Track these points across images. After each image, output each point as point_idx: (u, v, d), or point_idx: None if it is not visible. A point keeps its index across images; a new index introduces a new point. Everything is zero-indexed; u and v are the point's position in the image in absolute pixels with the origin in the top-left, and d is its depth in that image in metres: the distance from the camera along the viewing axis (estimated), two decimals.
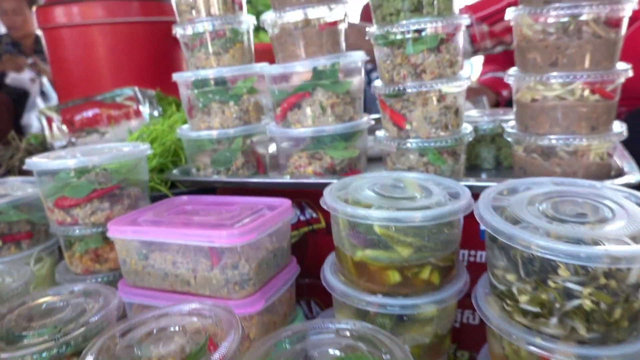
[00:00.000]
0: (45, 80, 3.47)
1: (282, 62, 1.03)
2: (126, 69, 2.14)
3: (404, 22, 0.86)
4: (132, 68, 2.15)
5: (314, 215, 1.12)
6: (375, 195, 0.77)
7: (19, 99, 3.46)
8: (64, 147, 1.55)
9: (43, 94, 3.53)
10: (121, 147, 1.06)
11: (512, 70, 0.90)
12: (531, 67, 0.83)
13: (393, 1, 0.87)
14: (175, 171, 1.22)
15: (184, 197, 1.08)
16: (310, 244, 1.14)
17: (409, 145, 0.92)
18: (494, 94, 1.88)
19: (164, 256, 0.88)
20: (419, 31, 0.86)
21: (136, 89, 1.67)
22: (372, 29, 0.94)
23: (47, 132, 1.67)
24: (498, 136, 1.06)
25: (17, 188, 1.18)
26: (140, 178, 1.06)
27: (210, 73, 1.09)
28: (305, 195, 1.10)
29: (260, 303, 0.84)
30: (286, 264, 0.96)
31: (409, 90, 0.89)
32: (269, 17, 1.01)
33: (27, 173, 1.49)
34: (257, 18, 1.57)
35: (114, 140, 1.60)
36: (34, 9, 2.96)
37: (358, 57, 1.02)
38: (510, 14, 0.85)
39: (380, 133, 1.01)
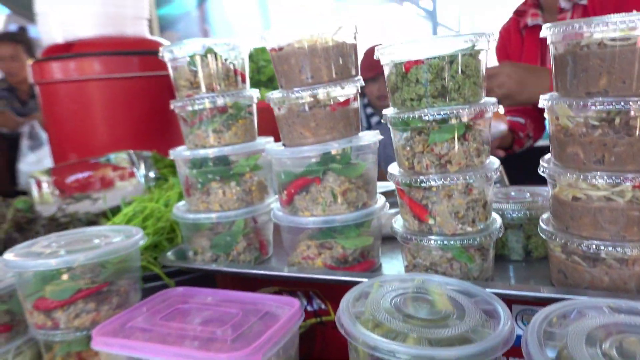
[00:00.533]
0: (35, 122, 3.37)
1: (289, 144, 0.95)
2: (123, 125, 2.07)
3: (427, 110, 0.78)
4: (130, 124, 2.07)
5: (323, 306, 1.01)
6: (399, 315, 0.67)
7: (14, 142, 3.38)
8: (54, 216, 1.44)
9: (32, 137, 3.42)
10: (112, 235, 0.96)
11: (548, 160, 0.81)
12: (572, 161, 0.74)
13: (414, 86, 0.79)
14: (170, 253, 1.11)
15: (180, 289, 0.97)
16: (319, 338, 1.03)
17: (432, 243, 0.82)
18: (511, 133, 1.81)
19: None
20: (443, 119, 0.78)
21: (131, 152, 1.59)
22: (389, 112, 0.85)
23: (36, 196, 1.57)
24: (526, 222, 0.96)
25: None
26: (132, 267, 0.95)
27: (210, 152, 1.00)
28: (314, 285, 0.99)
29: None
30: None
31: (432, 183, 0.80)
32: (275, 96, 0.92)
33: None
34: (259, 73, 1.50)
35: (109, 205, 1.50)
36: (30, 61, 2.93)
37: (372, 138, 0.94)
38: (544, 101, 0.76)
39: (396, 223, 0.92)
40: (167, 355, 0.73)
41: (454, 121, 0.78)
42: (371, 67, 2.77)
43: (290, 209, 0.96)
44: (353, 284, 0.87)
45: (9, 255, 0.87)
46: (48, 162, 3.07)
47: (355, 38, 0.92)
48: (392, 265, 1.00)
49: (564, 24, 0.70)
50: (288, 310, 0.83)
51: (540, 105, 0.77)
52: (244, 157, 1.04)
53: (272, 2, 7.17)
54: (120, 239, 0.93)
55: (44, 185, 1.59)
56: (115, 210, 1.47)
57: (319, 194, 0.92)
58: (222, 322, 0.81)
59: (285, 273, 0.92)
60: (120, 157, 1.59)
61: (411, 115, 0.79)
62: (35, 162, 3.14)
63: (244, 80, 1.06)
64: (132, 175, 1.55)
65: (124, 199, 1.50)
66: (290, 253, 1.00)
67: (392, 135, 0.88)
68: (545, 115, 0.79)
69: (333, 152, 0.90)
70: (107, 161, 1.60)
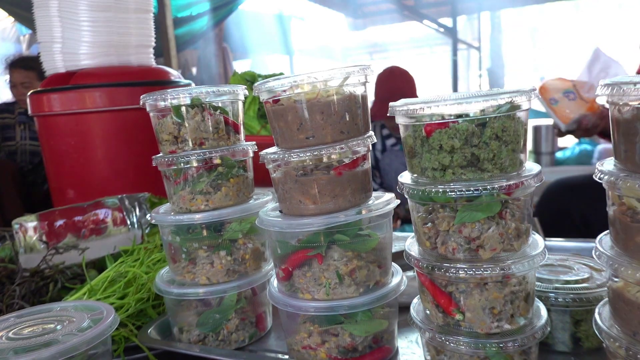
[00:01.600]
0: None
1: (286, 211, 0.80)
2: (125, 159, 1.95)
3: (453, 184, 0.62)
4: (132, 158, 1.96)
5: None
6: None
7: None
8: (38, 268, 1.32)
9: None
10: (78, 318, 0.82)
11: (605, 242, 0.65)
12: (638, 253, 0.57)
13: (437, 153, 0.63)
14: (151, 329, 0.96)
15: None
16: None
17: (461, 345, 0.66)
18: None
19: None
20: (474, 196, 0.62)
21: (124, 197, 1.46)
22: (406, 179, 0.70)
23: (20, 243, 1.45)
24: (573, 304, 0.79)
25: None
26: (101, 354, 0.81)
27: (196, 217, 0.86)
28: None
29: None
30: None
31: (462, 274, 0.64)
32: (269, 156, 0.78)
33: None
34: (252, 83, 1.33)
35: (95, 255, 1.37)
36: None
37: (386, 205, 0.78)
38: (602, 174, 0.60)
39: (415, 309, 0.76)
40: None
41: (487, 197, 0.62)
42: (390, 88, 2.62)
43: (289, 288, 0.81)
44: None
45: None
46: None
47: (365, 87, 0.77)
48: (411, 349, 0.84)
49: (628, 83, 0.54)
50: None
51: (596, 177, 0.61)
52: (237, 222, 0.89)
53: (294, 25, 7.12)
54: (87, 324, 0.79)
55: (30, 232, 1.47)
56: (104, 262, 1.34)
57: (322, 273, 0.76)
58: None
59: None
60: (112, 202, 1.46)
61: (433, 190, 0.64)
62: None
63: (237, 131, 0.92)
64: (123, 222, 1.42)
65: (114, 249, 1.37)
66: (289, 336, 0.85)
67: (410, 206, 0.73)
68: (604, 185, 0.62)
69: (337, 225, 0.75)
70: (96, 206, 1.48)
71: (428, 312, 0.73)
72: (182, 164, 0.86)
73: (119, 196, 1.46)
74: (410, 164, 0.70)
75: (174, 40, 5.56)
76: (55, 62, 2.02)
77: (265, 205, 0.92)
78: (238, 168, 0.90)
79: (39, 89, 2.01)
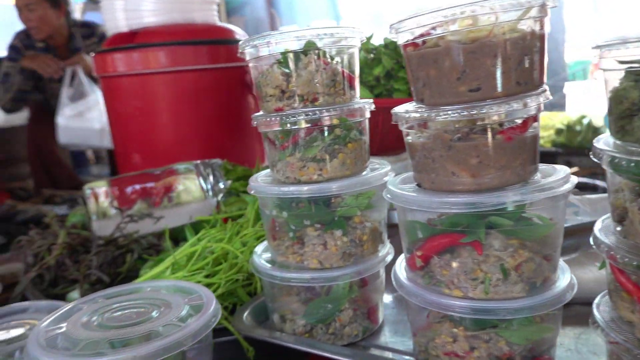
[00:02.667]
0: (79, 68, 2.68)
1: (430, 186, 0.63)
2: (191, 123, 1.85)
3: None
4: (198, 122, 1.85)
5: None
6: None
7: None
8: (112, 237, 1.23)
9: (73, 85, 2.70)
10: (175, 303, 0.69)
11: None
12: None
13: None
14: (246, 314, 0.84)
15: None
16: None
17: None
18: None
19: None
20: None
21: (199, 163, 1.34)
22: (607, 146, 0.52)
23: (92, 210, 1.37)
24: None
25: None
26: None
27: (306, 190, 0.71)
28: None
29: None
30: None
31: None
32: (408, 115, 0.61)
33: (63, 280, 1.18)
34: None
35: (172, 224, 1.27)
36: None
37: (564, 179, 0.60)
38: None
39: (598, 309, 0.59)
40: None
41: None
42: None
43: (427, 279, 0.65)
44: None
45: (34, 345, 0.62)
46: (91, 116, 2.63)
47: (543, 25, 0.58)
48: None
49: None
50: None
51: None
52: (353, 196, 0.74)
53: None
54: (186, 312, 0.67)
55: (102, 197, 1.39)
56: (179, 231, 1.24)
57: (478, 265, 0.60)
58: None
59: None
60: (186, 168, 1.35)
61: None
62: (75, 116, 2.68)
63: (353, 87, 0.76)
64: (199, 190, 1.31)
65: (190, 218, 1.27)
66: (417, 333, 0.70)
67: (607, 180, 0.55)
68: None
69: (501, 207, 0.58)
70: (170, 173, 1.37)
71: (622, 314, 0.56)
72: (291, 124, 0.71)
73: (194, 162, 1.34)
74: (620, 125, 0.51)
75: (224, 5, 5.42)
76: (117, 21, 1.90)
77: (385, 176, 0.76)
78: (356, 131, 0.74)
79: (103, 49, 1.91)
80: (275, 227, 0.78)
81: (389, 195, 0.66)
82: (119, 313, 0.69)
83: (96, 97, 2.65)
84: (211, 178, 1.38)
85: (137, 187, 1.38)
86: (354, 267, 0.74)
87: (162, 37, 1.80)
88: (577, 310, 0.74)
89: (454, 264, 0.63)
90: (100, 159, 5.28)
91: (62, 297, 1.13)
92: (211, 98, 1.85)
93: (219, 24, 1.97)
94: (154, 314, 0.67)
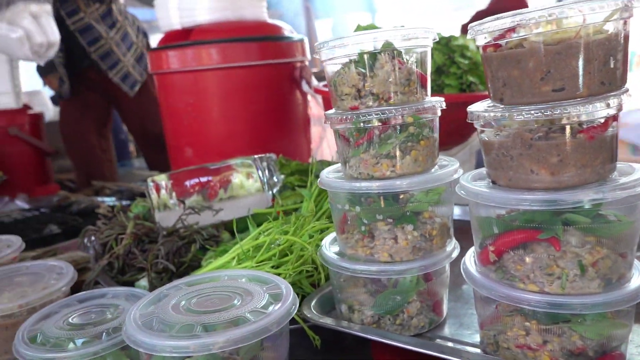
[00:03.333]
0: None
1: (504, 182, 0.65)
2: (241, 118, 1.90)
3: None
4: (248, 116, 1.90)
5: None
6: None
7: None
8: (174, 228, 1.29)
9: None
10: (254, 290, 0.74)
11: None
12: None
13: None
14: (314, 302, 0.88)
15: None
16: None
17: None
18: None
19: None
20: None
21: (255, 157, 1.39)
22: None
23: (154, 202, 1.44)
24: None
25: (118, 310, 0.91)
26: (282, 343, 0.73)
27: (378, 186, 0.74)
28: None
29: None
30: None
31: None
32: (486, 114, 0.63)
33: (131, 268, 1.25)
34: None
35: (230, 216, 1.33)
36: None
37: None
38: None
39: None
40: None
41: None
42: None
43: (499, 274, 0.67)
44: None
45: (131, 326, 0.67)
46: None
47: (627, 25, 0.58)
48: None
49: None
50: None
51: None
52: (423, 192, 0.76)
53: None
54: (265, 301, 0.71)
55: (162, 190, 1.45)
56: (239, 223, 1.29)
57: (554, 261, 0.62)
58: None
59: None
60: (243, 163, 1.40)
61: None
62: None
63: (424, 86, 0.78)
64: (256, 183, 1.36)
65: (248, 211, 1.32)
66: (486, 325, 0.72)
67: None
68: None
69: (579, 206, 0.59)
70: (227, 168, 1.43)
71: None
72: (365, 123, 0.74)
73: (251, 157, 1.39)
74: None
75: None
76: (171, 19, 1.97)
77: (455, 173, 0.78)
78: (429, 129, 0.76)
79: (157, 46, 1.99)
80: (346, 221, 0.81)
81: (463, 192, 0.69)
82: (204, 299, 0.73)
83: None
84: (267, 172, 1.42)
85: (196, 180, 1.44)
86: (423, 261, 0.77)
87: (215, 34, 1.86)
88: None
89: (528, 259, 0.64)
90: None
91: (130, 284, 1.20)
92: (261, 93, 1.90)
93: (269, 20, 2.01)
94: (236, 301, 0.71)
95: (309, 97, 2.13)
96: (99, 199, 2.40)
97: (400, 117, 0.73)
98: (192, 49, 1.87)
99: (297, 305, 0.70)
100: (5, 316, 0.99)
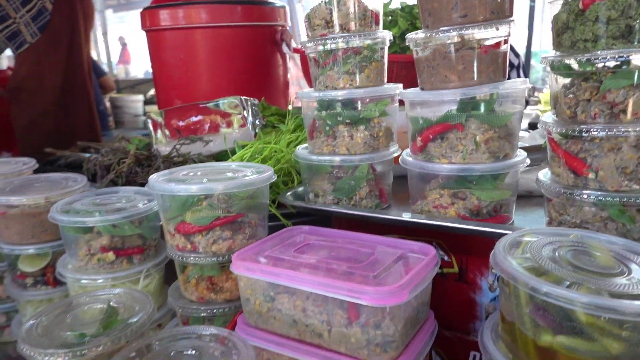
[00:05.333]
0: None
1: (429, 88, 0.91)
2: (226, 74, 2.12)
3: (604, 51, 0.71)
4: (232, 73, 2.12)
5: (446, 258, 0.99)
6: (567, 265, 0.63)
7: None
8: (169, 155, 1.52)
9: None
10: (243, 169, 0.99)
11: None
12: None
13: (591, 25, 0.71)
14: (289, 194, 1.13)
15: (305, 227, 0.99)
16: (438, 290, 1.01)
17: (585, 197, 0.76)
18: None
19: (293, 301, 0.79)
20: (623, 63, 0.70)
21: (242, 98, 1.61)
22: (550, 55, 0.79)
23: (152, 136, 1.65)
24: None
25: (130, 200, 1.14)
26: (262, 204, 0.98)
27: (341, 94, 0.99)
28: (438, 236, 0.97)
29: None
30: (425, 320, 0.84)
31: (595, 134, 0.74)
32: (418, 36, 0.88)
33: (134, 182, 1.47)
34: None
35: (218, 148, 1.56)
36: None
37: (521, 85, 0.88)
38: None
39: (543, 175, 0.86)
40: (311, 284, 0.74)
41: (636, 64, 0.70)
42: None
43: (424, 156, 0.93)
44: (491, 235, 0.84)
45: (154, 179, 0.91)
46: None
47: None
48: (526, 224, 0.95)
49: None
50: (424, 256, 0.82)
51: None
52: (373, 102, 1.01)
53: None
54: (251, 172, 0.95)
55: (158, 125, 1.67)
56: (225, 155, 1.52)
57: (459, 141, 0.88)
58: (358, 260, 0.81)
59: (422, 220, 0.90)
60: (230, 102, 1.62)
61: (581, 59, 0.72)
62: None
63: (377, 22, 1.03)
64: (242, 120, 1.58)
65: (233, 143, 1.54)
66: (416, 202, 0.98)
67: (549, 81, 0.82)
68: None
69: (478, 97, 0.86)
70: (216, 106, 1.65)
71: (557, 177, 0.83)
72: (331, 45, 0.98)
73: (238, 97, 1.61)
74: (558, 41, 0.78)
75: None
76: None
77: (397, 89, 1.03)
78: (379, 54, 1.01)
79: (151, 5, 2.18)
80: (314, 126, 1.06)
81: (402, 97, 0.94)
82: (209, 169, 0.97)
83: None
84: (250, 113, 1.65)
85: (188, 118, 1.65)
86: (372, 154, 1.02)
87: None
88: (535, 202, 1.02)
89: (443, 144, 0.91)
90: (120, 124, 5.57)
91: None
92: (244, 52, 2.12)
93: None
94: (229, 174, 0.95)
95: (288, 61, 2.35)
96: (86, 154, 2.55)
97: (357, 42, 0.97)
98: (183, 8, 2.07)
99: (275, 177, 0.95)
100: (33, 206, 1.20)
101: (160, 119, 1.66)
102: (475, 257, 0.95)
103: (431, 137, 0.91)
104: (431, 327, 0.84)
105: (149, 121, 1.64)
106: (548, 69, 0.80)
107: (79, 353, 0.72)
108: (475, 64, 0.85)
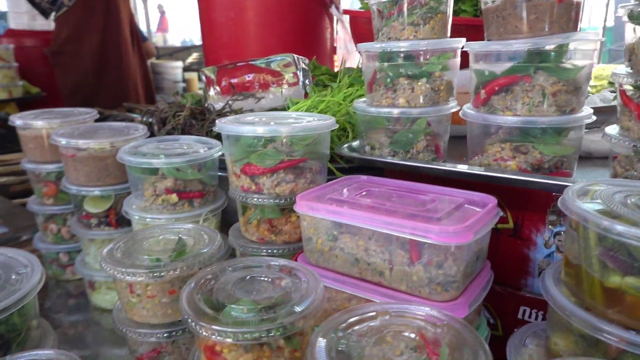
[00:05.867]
0: None
1: (496, 38, 0.90)
2: (274, 34, 2.13)
3: None
4: (281, 33, 2.13)
5: (502, 214, 0.99)
6: (636, 209, 0.63)
7: None
8: (222, 110, 1.56)
9: None
10: (306, 117, 1.01)
11: None
12: None
13: None
14: (344, 147, 1.15)
15: (363, 177, 1.01)
16: (491, 245, 1.02)
17: None
18: None
19: (355, 240, 0.82)
20: None
21: (294, 56, 1.63)
22: (628, 4, 0.77)
23: (206, 92, 1.70)
24: None
25: (191, 147, 1.19)
26: (322, 153, 1.00)
27: (404, 45, 0.99)
28: (493, 190, 0.98)
29: (465, 309, 0.75)
30: (482, 268, 0.86)
31: None
32: None
33: (189, 135, 1.52)
34: None
35: (270, 105, 1.59)
36: None
37: (594, 37, 0.86)
38: None
39: (611, 129, 0.85)
40: (377, 223, 0.77)
41: None
42: None
43: (487, 108, 0.93)
44: (554, 189, 0.84)
45: (222, 121, 0.95)
46: None
47: None
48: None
49: None
50: (485, 205, 0.83)
51: None
52: (436, 55, 1.01)
53: None
54: (313, 118, 0.98)
55: (211, 81, 1.70)
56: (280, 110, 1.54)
57: (526, 93, 0.88)
58: (420, 205, 0.83)
59: (483, 172, 0.90)
60: (282, 60, 1.64)
61: None
62: None
63: None
64: (295, 77, 1.60)
65: (285, 100, 1.57)
66: (474, 157, 0.99)
67: (626, 32, 0.80)
68: None
69: (548, 49, 0.85)
70: (267, 65, 1.67)
71: (625, 131, 0.82)
72: None
73: (291, 54, 1.63)
74: None
75: None
76: None
77: (461, 43, 1.02)
78: (445, 5, 1.00)
79: None
80: (374, 78, 1.07)
81: (467, 48, 0.94)
82: (269, 118, 1.01)
83: None
84: (301, 71, 1.67)
85: (240, 73, 1.68)
86: (432, 108, 1.03)
87: None
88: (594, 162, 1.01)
89: (507, 96, 0.90)
90: (160, 90, 5.67)
91: None
92: (294, 13, 2.13)
93: None
94: (291, 120, 0.98)
95: (336, 24, 2.34)
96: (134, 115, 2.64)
97: None
98: None
99: (336, 125, 0.97)
100: (99, 150, 1.27)
101: (212, 76, 1.70)
102: (533, 213, 0.96)
103: (496, 89, 0.91)
104: (487, 275, 0.86)
105: (203, 77, 1.68)
106: (625, 18, 0.78)
107: (157, 274, 0.78)
108: (548, 14, 0.84)
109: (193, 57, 7.05)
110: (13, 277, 0.81)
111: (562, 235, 0.95)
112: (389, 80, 1.04)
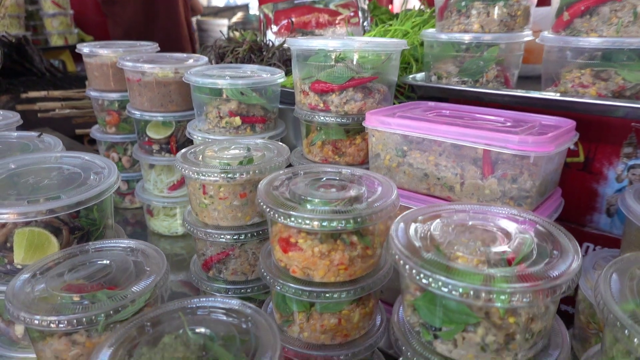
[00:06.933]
0: None
1: None
2: None
3: None
4: None
5: (573, 147, 0.97)
6: None
7: None
8: (282, 45, 1.55)
9: None
10: (375, 40, 1.00)
11: None
12: None
13: None
14: (409, 77, 1.13)
15: (430, 102, 1.00)
16: (560, 179, 1.00)
17: None
18: None
19: (426, 156, 0.82)
20: None
21: None
22: None
23: (265, 29, 1.69)
24: None
25: (254, 73, 1.20)
26: (390, 77, 0.99)
27: None
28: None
29: None
30: (553, 192, 0.84)
31: None
32: None
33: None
34: None
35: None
36: None
37: None
38: None
39: None
40: (454, 135, 0.76)
41: None
42: None
43: (569, 31, 0.89)
44: (638, 114, 0.80)
45: (294, 38, 0.95)
46: None
47: None
48: None
49: None
50: (563, 126, 0.81)
51: None
52: None
53: None
54: (386, 41, 0.96)
55: (270, 19, 1.70)
56: None
57: (615, 13, 0.83)
58: (493, 124, 0.81)
59: (559, 97, 0.87)
60: (341, 0, 1.61)
61: None
62: None
63: None
64: (355, 15, 1.58)
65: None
66: (549, 87, 0.95)
67: None
68: None
69: None
70: (326, 5, 1.64)
71: None
72: None
73: None
74: None
75: None
76: None
77: None
78: None
79: None
80: (447, 4, 1.04)
81: None
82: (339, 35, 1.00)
83: None
84: (361, 12, 1.64)
85: (298, 13, 1.67)
86: (507, 34, 0.99)
87: None
88: None
89: (592, 18, 0.86)
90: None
91: None
92: None
93: None
94: (364, 40, 0.97)
95: None
96: None
97: None
98: None
99: (407, 45, 0.95)
100: (162, 75, 1.30)
101: (270, 14, 1.69)
102: (607, 145, 0.92)
103: (582, 8, 0.86)
104: (558, 199, 0.85)
105: (262, 15, 1.68)
106: None
107: (231, 176, 0.80)
108: None
109: (237, 17, 7.03)
110: (92, 176, 0.85)
111: (636, 168, 0.92)
112: (463, 3, 1.00)
